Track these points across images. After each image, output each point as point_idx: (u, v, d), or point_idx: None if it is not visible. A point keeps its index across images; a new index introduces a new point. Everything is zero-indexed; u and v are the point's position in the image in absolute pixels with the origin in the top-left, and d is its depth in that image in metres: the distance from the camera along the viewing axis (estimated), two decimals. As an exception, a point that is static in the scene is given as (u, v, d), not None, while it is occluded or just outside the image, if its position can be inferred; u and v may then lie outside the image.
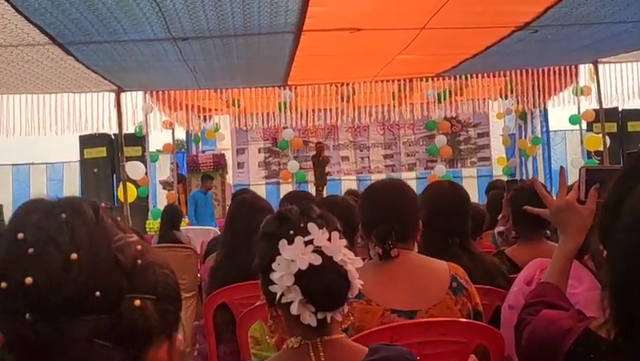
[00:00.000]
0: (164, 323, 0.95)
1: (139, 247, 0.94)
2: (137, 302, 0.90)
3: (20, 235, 0.88)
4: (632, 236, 0.87)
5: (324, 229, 1.56)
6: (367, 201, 2.64)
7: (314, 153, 14.50)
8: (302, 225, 1.56)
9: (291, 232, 1.55)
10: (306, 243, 1.53)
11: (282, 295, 1.52)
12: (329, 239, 1.54)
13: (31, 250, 0.86)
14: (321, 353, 1.56)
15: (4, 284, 0.85)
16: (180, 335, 1.01)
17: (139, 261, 0.92)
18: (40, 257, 0.86)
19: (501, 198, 4.39)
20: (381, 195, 2.61)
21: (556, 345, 1.37)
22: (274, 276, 1.53)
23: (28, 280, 0.84)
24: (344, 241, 1.57)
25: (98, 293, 0.86)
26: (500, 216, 4.34)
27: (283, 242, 1.53)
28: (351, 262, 1.57)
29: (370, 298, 2.31)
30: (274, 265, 1.53)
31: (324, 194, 12.58)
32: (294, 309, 1.51)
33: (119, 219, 0.99)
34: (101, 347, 0.87)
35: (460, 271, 2.47)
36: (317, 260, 1.51)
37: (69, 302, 0.86)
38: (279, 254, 1.53)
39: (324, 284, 1.51)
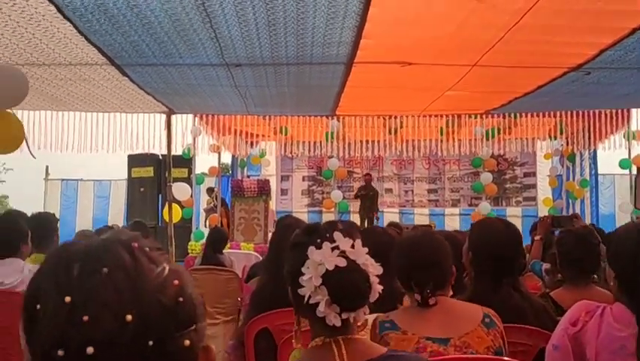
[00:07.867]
0: (202, 339, 0.98)
1: (176, 281, 0.95)
2: (187, 342, 0.93)
3: (67, 299, 0.88)
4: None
5: (348, 238, 1.70)
6: (405, 249, 2.68)
7: (362, 184, 14.50)
8: (328, 235, 1.71)
9: (319, 240, 1.69)
10: (333, 248, 1.67)
11: (310, 297, 1.65)
12: (352, 246, 1.69)
13: (85, 318, 0.87)
14: (344, 348, 1.66)
15: (60, 352, 0.86)
16: (212, 345, 1.02)
17: (180, 299, 0.94)
18: (97, 324, 0.87)
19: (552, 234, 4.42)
20: (417, 243, 2.66)
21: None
22: (303, 278, 1.66)
23: (89, 349, 0.85)
24: (366, 249, 1.71)
25: (151, 343, 0.89)
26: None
27: (312, 248, 1.68)
28: (373, 268, 1.70)
29: (406, 330, 2.42)
30: (303, 269, 1.67)
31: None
32: (320, 308, 1.63)
33: (147, 250, 0.98)
34: None
35: (492, 312, 2.54)
36: (342, 262, 1.66)
37: (125, 358, 0.88)
38: (308, 259, 1.67)
39: (349, 282, 1.64)
